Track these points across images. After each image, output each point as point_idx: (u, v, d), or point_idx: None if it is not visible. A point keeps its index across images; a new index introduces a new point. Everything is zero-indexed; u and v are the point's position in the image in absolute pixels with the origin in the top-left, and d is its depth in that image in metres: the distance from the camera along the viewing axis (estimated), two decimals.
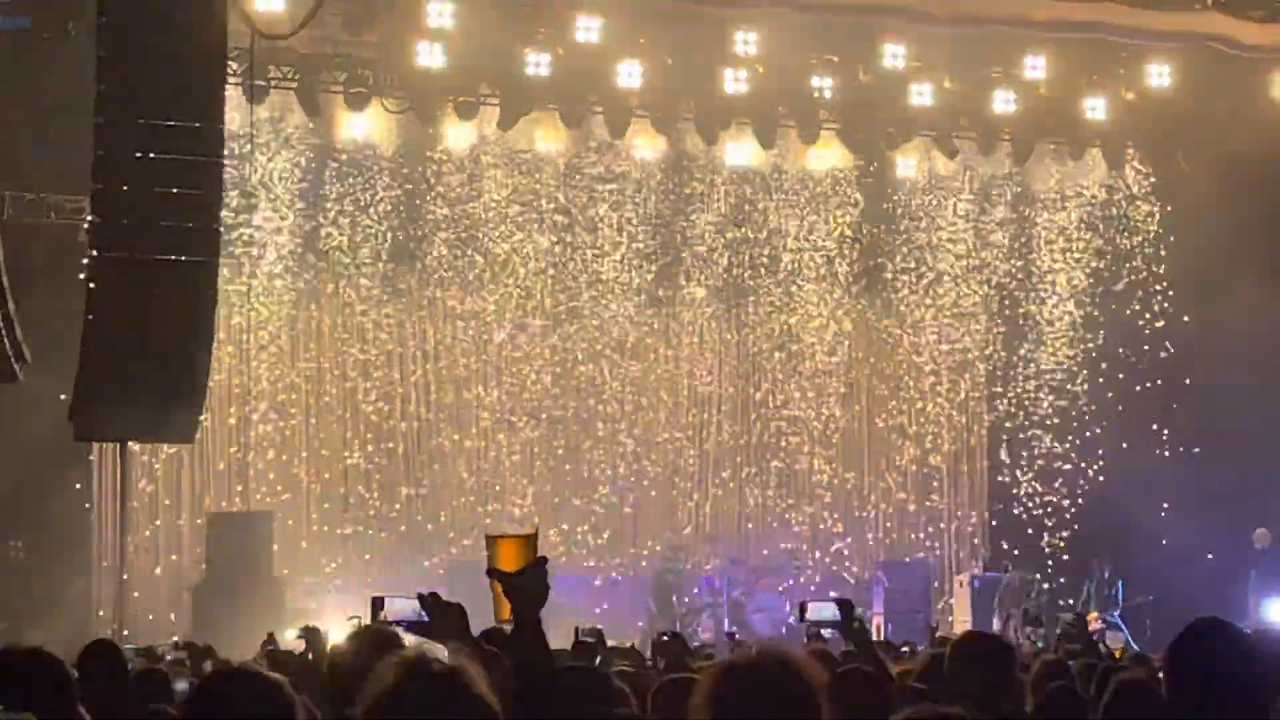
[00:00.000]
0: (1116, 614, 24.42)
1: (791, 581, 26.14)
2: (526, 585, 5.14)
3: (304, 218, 25.03)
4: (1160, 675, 5.71)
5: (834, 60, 24.96)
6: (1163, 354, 27.14)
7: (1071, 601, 25.01)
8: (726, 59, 24.66)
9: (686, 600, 25.47)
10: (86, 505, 22.92)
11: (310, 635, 9.99)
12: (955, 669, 6.77)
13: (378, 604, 6.71)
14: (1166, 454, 26.52)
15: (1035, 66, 25.25)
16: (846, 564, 27.08)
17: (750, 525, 27.11)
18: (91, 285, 18.83)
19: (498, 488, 25.93)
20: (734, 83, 24.83)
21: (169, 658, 14.61)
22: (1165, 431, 26.75)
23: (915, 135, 26.35)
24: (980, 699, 6.29)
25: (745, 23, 24.21)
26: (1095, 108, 26.08)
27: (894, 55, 24.72)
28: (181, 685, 9.19)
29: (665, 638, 13.87)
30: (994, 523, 27.62)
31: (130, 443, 21.57)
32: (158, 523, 24.05)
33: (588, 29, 23.76)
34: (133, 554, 22.78)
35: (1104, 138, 26.83)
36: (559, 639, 10.91)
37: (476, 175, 25.76)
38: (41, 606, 20.23)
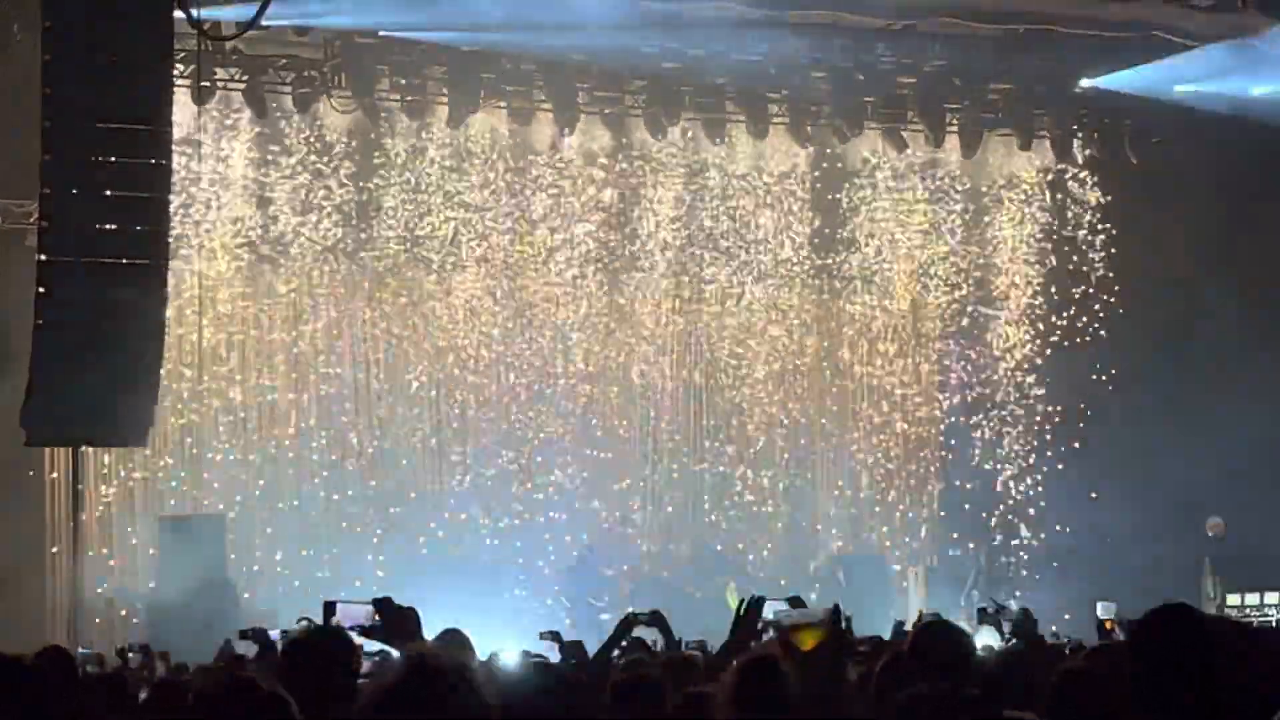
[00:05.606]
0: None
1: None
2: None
3: (254, 216, 24.88)
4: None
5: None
6: (1115, 338, 27.25)
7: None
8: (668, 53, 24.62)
9: (600, 597, 24.64)
10: (38, 510, 22.82)
11: (259, 637, 9.99)
12: (917, 658, 6.76)
13: (330, 608, 6.72)
14: (1117, 441, 26.55)
15: (981, 59, 25.32)
16: (803, 560, 27.04)
17: (702, 519, 27.04)
18: (41, 290, 18.74)
19: (446, 493, 25.87)
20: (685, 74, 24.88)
21: (124, 662, 14.56)
22: (1116, 417, 26.83)
23: (865, 128, 26.41)
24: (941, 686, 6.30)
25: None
26: (1044, 98, 26.22)
27: (844, 49, 24.80)
28: (145, 696, 9.11)
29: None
30: (942, 513, 27.63)
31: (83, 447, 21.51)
32: (111, 527, 23.88)
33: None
34: (85, 558, 22.64)
35: (1052, 128, 26.94)
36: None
37: (425, 172, 25.69)
38: None
